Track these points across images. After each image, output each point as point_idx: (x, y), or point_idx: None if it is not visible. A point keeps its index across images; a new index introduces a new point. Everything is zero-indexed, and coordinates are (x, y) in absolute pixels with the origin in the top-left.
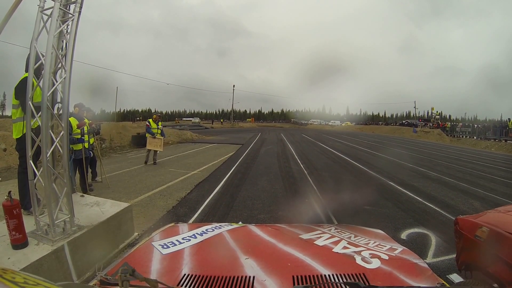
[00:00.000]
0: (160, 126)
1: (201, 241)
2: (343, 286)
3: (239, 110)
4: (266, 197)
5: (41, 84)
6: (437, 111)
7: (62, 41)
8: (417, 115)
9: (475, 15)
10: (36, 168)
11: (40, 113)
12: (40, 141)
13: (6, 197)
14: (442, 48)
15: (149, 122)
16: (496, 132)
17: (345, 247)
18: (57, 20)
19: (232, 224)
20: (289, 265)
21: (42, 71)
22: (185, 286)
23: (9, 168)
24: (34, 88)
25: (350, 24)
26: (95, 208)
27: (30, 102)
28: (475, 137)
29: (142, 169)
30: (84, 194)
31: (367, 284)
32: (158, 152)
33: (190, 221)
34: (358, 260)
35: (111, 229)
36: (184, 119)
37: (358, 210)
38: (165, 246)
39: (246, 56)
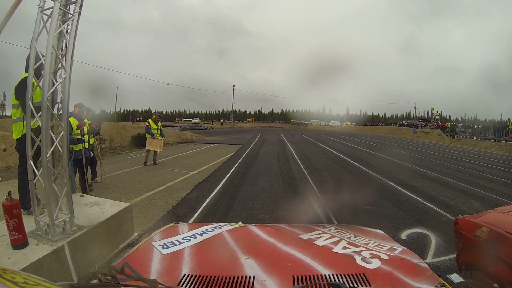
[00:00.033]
0: (159, 127)
1: (201, 241)
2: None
3: (239, 110)
4: (266, 197)
5: (41, 84)
6: (437, 112)
7: (62, 41)
8: (417, 115)
9: (475, 15)
10: (36, 168)
11: (40, 113)
12: (40, 141)
13: (6, 197)
14: (442, 48)
15: (148, 123)
16: (496, 132)
17: (345, 247)
18: (57, 20)
19: (232, 224)
20: (289, 265)
21: (42, 71)
22: (185, 286)
23: (9, 168)
24: (34, 88)
25: (350, 24)
26: (95, 208)
27: (30, 102)
28: (475, 138)
29: (142, 169)
30: (84, 194)
31: (350, 285)
32: (158, 152)
33: (190, 221)
34: (358, 260)
35: (111, 229)
36: (184, 119)
37: (358, 210)
38: (165, 246)
39: (246, 56)
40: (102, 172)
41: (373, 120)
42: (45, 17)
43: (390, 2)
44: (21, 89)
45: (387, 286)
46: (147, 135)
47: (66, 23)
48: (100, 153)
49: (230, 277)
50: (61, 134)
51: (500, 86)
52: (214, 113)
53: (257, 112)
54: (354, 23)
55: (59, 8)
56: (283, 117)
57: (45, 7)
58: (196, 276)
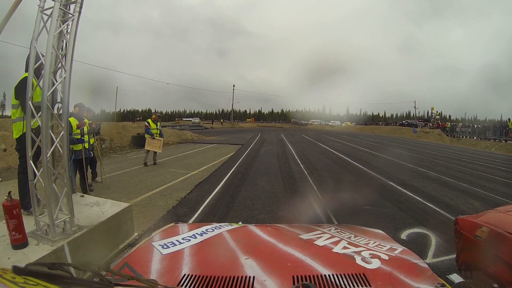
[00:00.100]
0: (159, 127)
1: (201, 241)
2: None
3: (239, 110)
4: (266, 197)
5: (41, 84)
6: (437, 111)
7: (62, 41)
8: (417, 115)
9: (475, 15)
10: (36, 168)
11: (40, 113)
12: (40, 141)
13: (6, 197)
14: (442, 48)
15: (148, 123)
16: (496, 132)
17: (345, 247)
18: (57, 20)
19: (232, 224)
20: (289, 265)
21: (42, 71)
22: (185, 286)
23: (9, 168)
24: (34, 88)
25: (350, 24)
26: (95, 208)
27: (30, 102)
28: (475, 137)
29: (142, 170)
30: (84, 194)
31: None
32: (158, 152)
33: (190, 221)
34: (358, 260)
35: (111, 229)
36: (184, 119)
37: (358, 210)
38: (165, 246)
39: (246, 56)
40: (102, 172)
41: (373, 120)
42: (45, 17)
43: (390, 2)
44: (21, 89)
45: (387, 286)
46: (146, 136)
47: (66, 23)
48: (100, 153)
49: (230, 277)
50: (61, 134)
51: (500, 86)
52: (214, 113)
53: (257, 112)
54: (354, 23)
55: (59, 8)
56: (283, 116)
57: (45, 7)
58: (196, 276)
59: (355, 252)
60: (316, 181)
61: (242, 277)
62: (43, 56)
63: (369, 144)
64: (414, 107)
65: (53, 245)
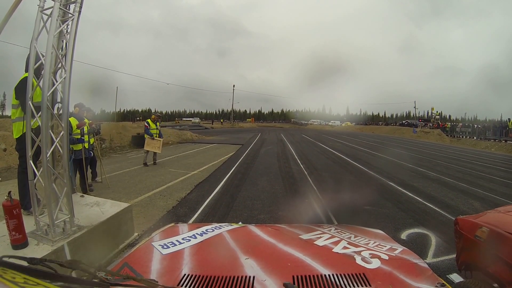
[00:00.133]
0: (158, 127)
1: (201, 241)
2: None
3: (239, 110)
4: (266, 197)
5: (41, 84)
6: (437, 111)
7: (62, 41)
8: (417, 115)
9: (475, 15)
10: (36, 168)
11: (40, 113)
12: (40, 141)
13: (6, 197)
14: (442, 48)
15: (147, 123)
16: (496, 132)
17: (345, 247)
18: (57, 20)
19: (232, 224)
20: (289, 265)
21: (42, 71)
22: (185, 286)
23: (9, 168)
24: (34, 88)
25: (350, 24)
26: (95, 208)
27: (30, 102)
28: (475, 138)
29: (142, 170)
30: (84, 194)
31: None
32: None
33: (190, 221)
34: (358, 260)
35: (111, 229)
36: (184, 119)
37: (358, 210)
38: (165, 246)
39: (246, 56)
40: (102, 172)
41: (373, 120)
42: (45, 17)
43: (390, 2)
44: (21, 89)
45: (387, 286)
46: (145, 136)
47: (66, 23)
48: (100, 153)
49: (230, 277)
50: (61, 134)
51: (500, 86)
52: (214, 113)
53: (257, 112)
54: (354, 23)
55: (59, 8)
56: (283, 117)
57: (45, 7)
58: (196, 276)
59: (355, 252)
60: (316, 181)
61: (242, 277)
62: (43, 56)
63: (369, 144)
64: (414, 107)
65: (53, 245)
